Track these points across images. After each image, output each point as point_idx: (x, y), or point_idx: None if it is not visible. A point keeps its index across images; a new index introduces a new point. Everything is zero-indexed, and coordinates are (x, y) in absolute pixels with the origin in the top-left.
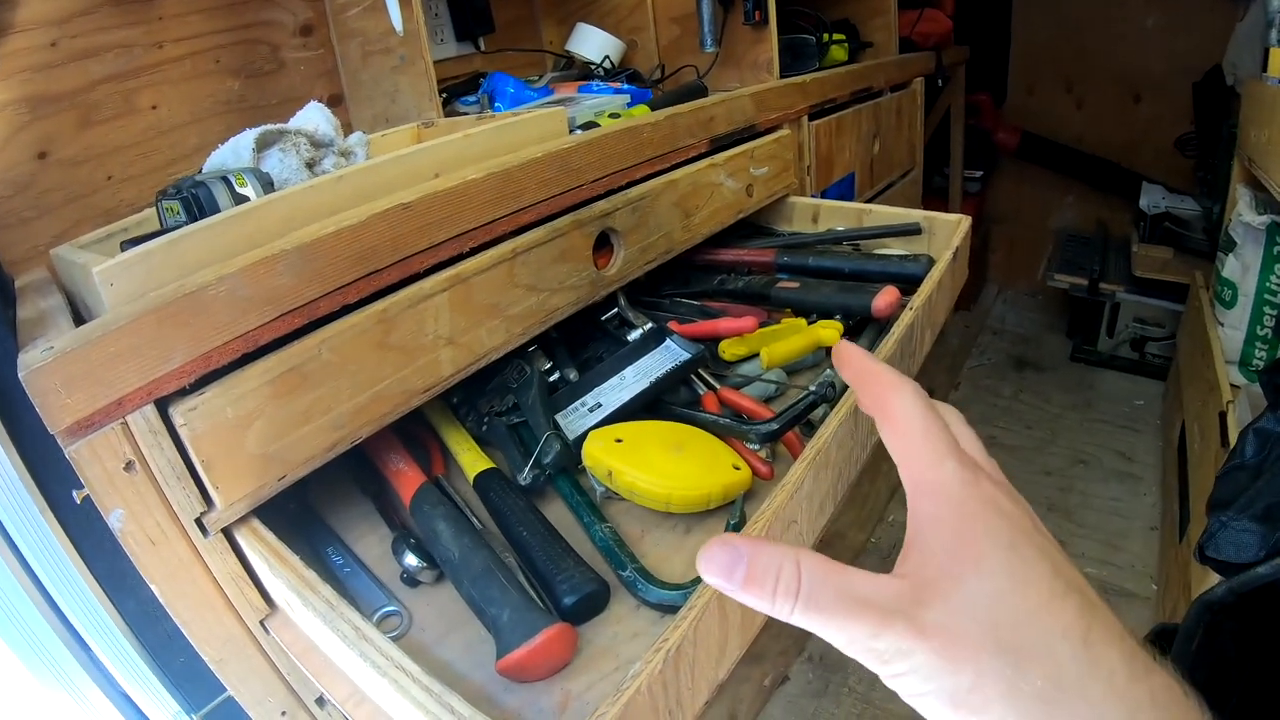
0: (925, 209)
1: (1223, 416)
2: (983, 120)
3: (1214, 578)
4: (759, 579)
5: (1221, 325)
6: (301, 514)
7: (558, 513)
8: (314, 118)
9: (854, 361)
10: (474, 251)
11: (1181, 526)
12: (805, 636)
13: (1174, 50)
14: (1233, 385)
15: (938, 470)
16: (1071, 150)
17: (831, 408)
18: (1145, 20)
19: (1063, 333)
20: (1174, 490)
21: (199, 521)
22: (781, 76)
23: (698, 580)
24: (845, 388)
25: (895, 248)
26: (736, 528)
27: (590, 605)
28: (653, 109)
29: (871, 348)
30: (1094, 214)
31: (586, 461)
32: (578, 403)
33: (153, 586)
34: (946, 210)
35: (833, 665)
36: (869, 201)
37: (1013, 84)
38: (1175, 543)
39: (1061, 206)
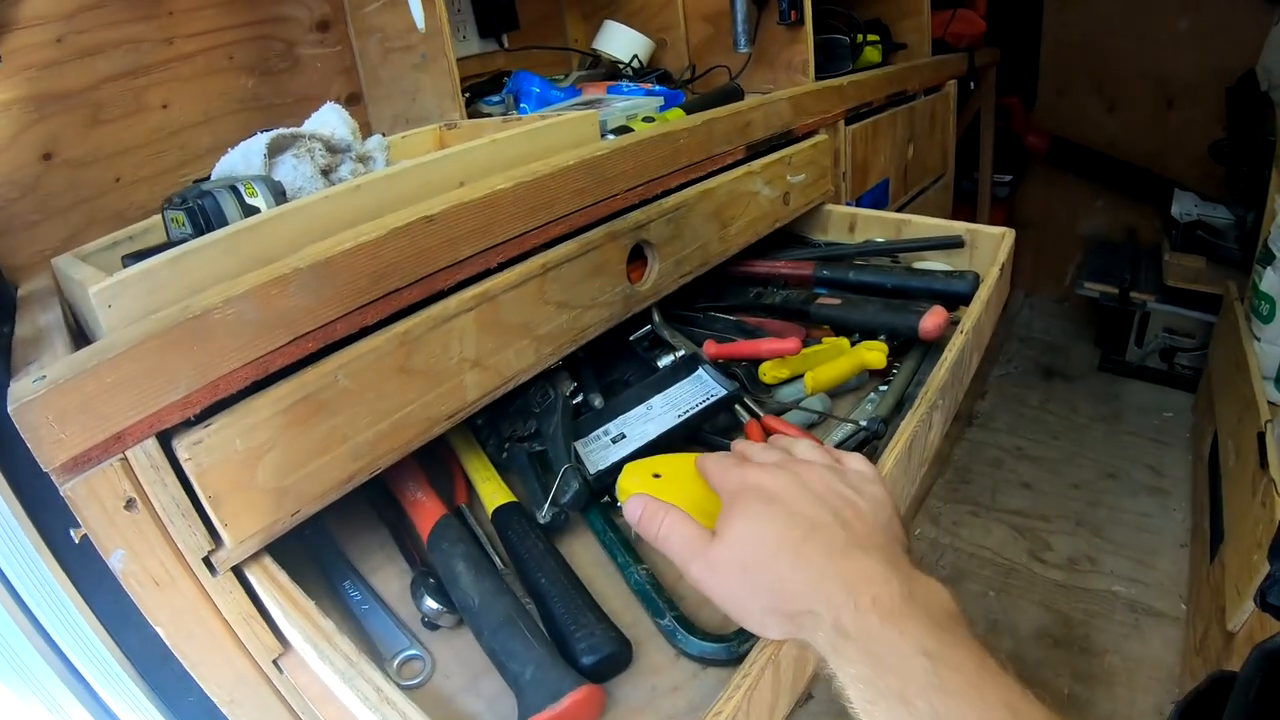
0: (954, 215)
1: (1261, 437)
2: (1013, 124)
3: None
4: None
5: (1258, 340)
6: (316, 540)
7: (589, 548)
8: (330, 120)
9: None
10: (502, 267)
11: (1213, 545)
12: None
13: (1207, 55)
14: (1270, 403)
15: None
16: (1102, 155)
17: (881, 443)
18: (1178, 24)
19: (1089, 341)
20: (1205, 507)
21: (207, 560)
22: (816, 78)
23: (741, 632)
24: (895, 422)
25: (934, 260)
26: None
27: (611, 665)
28: (687, 112)
29: (918, 370)
30: (1123, 221)
31: (621, 497)
32: (600, 431)
33: (158, 629)
34: (975, 215)
35: None
36: (901, 209)
37: (1043, 87)
38: (1206, 562)
39: (1090, 213)
